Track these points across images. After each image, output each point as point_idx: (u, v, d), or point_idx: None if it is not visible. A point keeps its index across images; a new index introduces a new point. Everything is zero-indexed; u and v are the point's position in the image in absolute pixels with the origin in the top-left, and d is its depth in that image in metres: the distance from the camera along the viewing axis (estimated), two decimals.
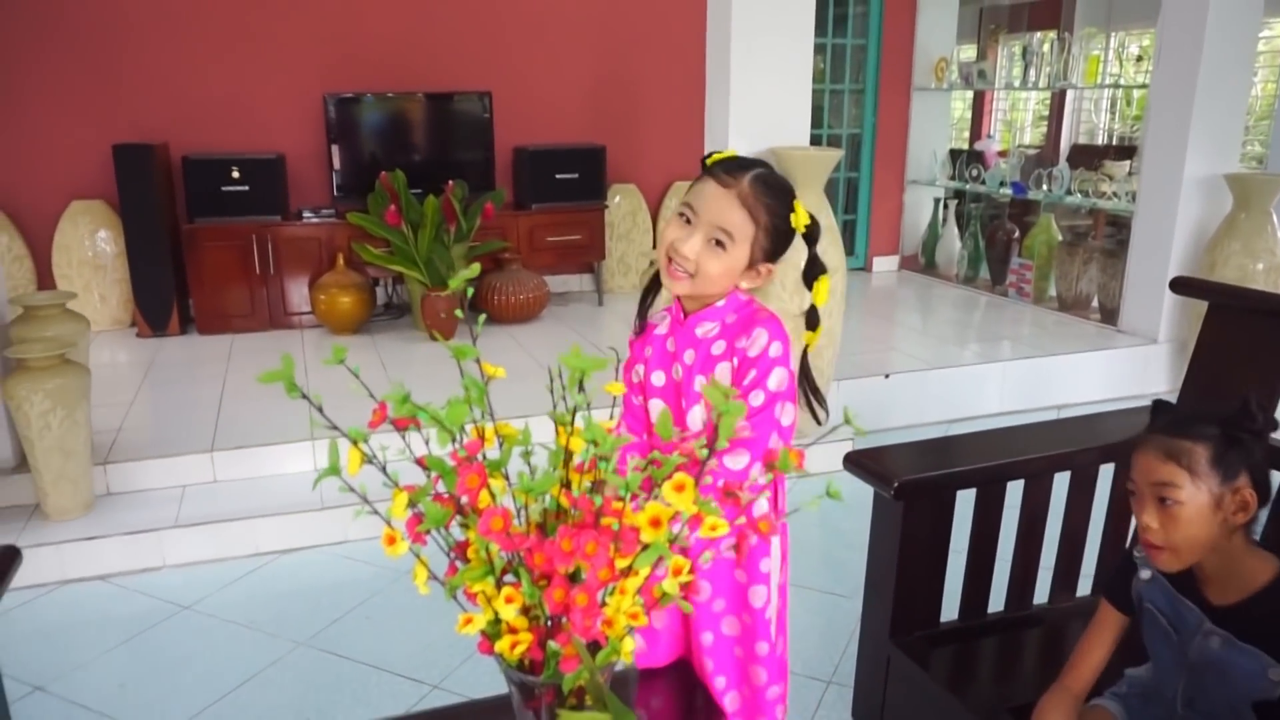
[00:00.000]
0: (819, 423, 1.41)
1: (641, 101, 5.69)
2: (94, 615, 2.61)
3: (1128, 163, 5.61)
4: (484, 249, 4.79)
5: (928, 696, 1.85)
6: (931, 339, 4.79)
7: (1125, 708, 1.46)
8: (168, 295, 4.62)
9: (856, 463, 1.85)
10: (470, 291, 1.13)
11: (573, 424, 1.16)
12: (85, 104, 4.73)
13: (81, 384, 2.86)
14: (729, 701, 1.53)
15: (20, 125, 4.64)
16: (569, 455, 1.08)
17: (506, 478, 1.19)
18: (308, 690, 2.24)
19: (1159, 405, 1.37)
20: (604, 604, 1.04)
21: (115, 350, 4.51)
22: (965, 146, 7.46)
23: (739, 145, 3.42)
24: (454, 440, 1.05)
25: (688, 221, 1.35)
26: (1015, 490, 1.92)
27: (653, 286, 1.53)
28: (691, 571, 1.11)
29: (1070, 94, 8.02)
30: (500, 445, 1.20)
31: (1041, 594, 2.04)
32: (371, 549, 2.86)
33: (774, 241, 1.38)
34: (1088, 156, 6.25)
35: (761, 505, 1.57)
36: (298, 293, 4.80)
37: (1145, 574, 1.39)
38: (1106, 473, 1.98)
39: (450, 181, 4.62)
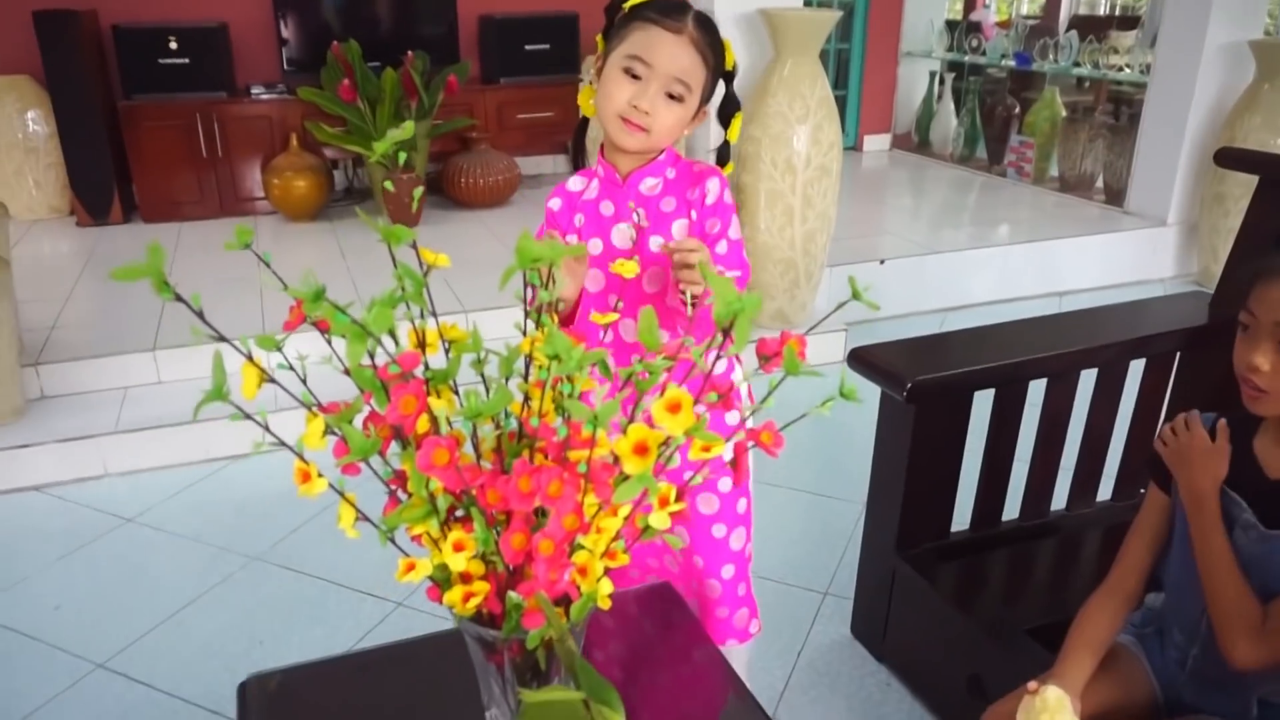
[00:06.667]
0: None
1: None
2: (27, 529, 2.41)
3: (1133, 33, 5.27)
4: (448, 127, 4.43)
5: (935, 613, 1.71)
6: (926, 223, 4.55)
7: (1144, 646, 1.31)
8: (107, 180, 4.26)
9: (864, 361, 1.66)
10: (413, 166, 0.88)
11: (539, 328, 0.93)
12: None
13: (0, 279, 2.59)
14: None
15: None
16: (529, 366, 0.86)
17: (456, 391, 0.97)
18: (259, 608, 2.07)
19: None
20: (576, 549, 0.84)
21: (55, 241, 4.19)
22: (960, 17, 7.04)
23: (724, 4, 3.08)
24: (370, 354, 0.82)
25: (635, 77, 1.24)
26: (1035, 389, 1.74)
27: (580, 143, 1.43)
28: (680, 498, 0.91)
29: None
30: (447, 352, 0.97)
31: (1059, 500, 1.89)
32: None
33: (714, 84, 1.32)
34: (1091, 27, 5.87)
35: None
36: (250, 177, 4.45)
37: None
38: (1135, 369, 1.80)
39: (410, 53, 4.24)
